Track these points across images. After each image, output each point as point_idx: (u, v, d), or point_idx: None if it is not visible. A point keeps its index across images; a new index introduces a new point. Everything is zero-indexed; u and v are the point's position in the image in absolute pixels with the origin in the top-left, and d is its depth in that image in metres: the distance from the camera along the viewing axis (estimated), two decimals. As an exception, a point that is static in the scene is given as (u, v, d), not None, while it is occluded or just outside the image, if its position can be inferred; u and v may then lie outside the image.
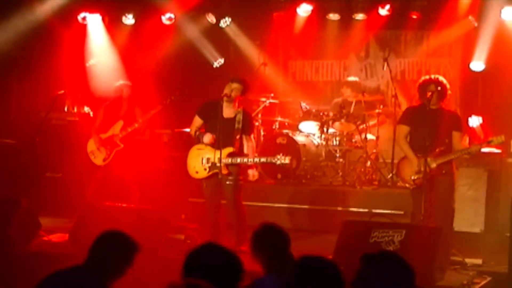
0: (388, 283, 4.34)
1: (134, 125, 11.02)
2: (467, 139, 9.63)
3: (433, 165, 8.91)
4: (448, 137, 9.04)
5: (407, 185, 9.46)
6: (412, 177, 9.08)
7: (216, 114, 9.12)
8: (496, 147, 10.85)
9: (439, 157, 8.95)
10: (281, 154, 9.08)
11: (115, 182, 11.14)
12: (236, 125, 9.22)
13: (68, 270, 5.17)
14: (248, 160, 9.21)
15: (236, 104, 9.32)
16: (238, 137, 9.20)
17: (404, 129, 9.39)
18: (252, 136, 9.52)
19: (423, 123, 8.98)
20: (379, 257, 4.48)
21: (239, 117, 9.26)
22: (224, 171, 9.08)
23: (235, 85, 9.25)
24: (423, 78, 9.46)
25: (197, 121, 9.50)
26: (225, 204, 9.41)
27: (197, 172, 9.38)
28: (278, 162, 9.07)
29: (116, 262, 5.26)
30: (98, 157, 11.12)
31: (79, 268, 5.22)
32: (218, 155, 9.03)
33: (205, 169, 9.26)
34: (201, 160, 9.31)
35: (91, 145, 11.19)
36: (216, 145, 9.10)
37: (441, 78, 9.32)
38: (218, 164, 9.05)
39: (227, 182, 9.20)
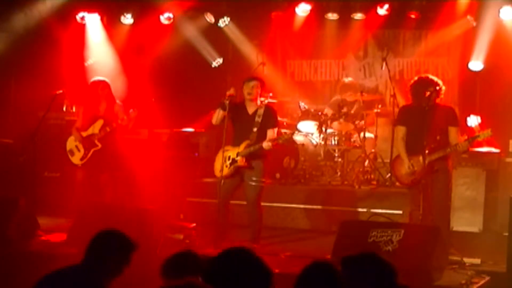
0: (370, 284, 4.32)
1: (113, 125, 10.73)
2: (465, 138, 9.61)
3: (424, 163, 8.91)
4: (440, 134, 9.00)
5: (397, 183, 9.51)
6: (408, 178, 9.12)
7: (240, 112, 9.41)
8: (495, 146, 10.87)
9: (430, 155, 8.93)
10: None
11: (90, 183, 10.97)
12: (256, 119, 9.42)
13: (66, 270, 5.17)
14: (258, 146, 9.33)
15: (258, 101, 9.55)
16: (255, 129, 9.37)
17: (401, 130, 9.37)
18: (275, 129, 9.59)
19: (416, 122, 8.98)
20: (358, 259, 4.47)
21: (260, 111, 9.47)
22: (242, 163, 9.31)
23: (253, 83, 9.47)
24: (416, 78, 9.43)
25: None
26: (243, 205, 9.66)
27: (221, 171, 9.51)
28: (281, 141, 9.43)
29: (113, 261, 5.26)
30: (75, 156, 10.87)
31: (77, 268, 5.22)
32: (237, 151, 9.33)
33: (226, 166, 9.45)
34: (225, 159, 9.48)
35: (71, 143, 10.92)
36: (236, 142, 9.39)
37: (434, 77, 9.32)
38: (236, 158, 9.32)
39: (251, 183, 9.41)
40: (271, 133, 9.43)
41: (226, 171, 9.43)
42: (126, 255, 5.33)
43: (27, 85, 13.10)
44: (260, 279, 4.20)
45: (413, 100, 9.28)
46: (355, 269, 4.41)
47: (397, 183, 10.43)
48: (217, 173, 9.56)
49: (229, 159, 9.40)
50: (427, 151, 8.89)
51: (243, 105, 9.51)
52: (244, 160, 9.30)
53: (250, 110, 9.51)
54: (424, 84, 9.14)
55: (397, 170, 9.36)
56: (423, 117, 8.91)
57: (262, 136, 9.38)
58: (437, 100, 9.14)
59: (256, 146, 9.29)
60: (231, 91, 9.34)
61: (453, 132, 9.05)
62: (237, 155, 9.32)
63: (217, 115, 9.42)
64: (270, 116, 9.51)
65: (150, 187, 11.63)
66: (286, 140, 9.61)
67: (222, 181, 9.43)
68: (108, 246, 5.29)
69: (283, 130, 12.41)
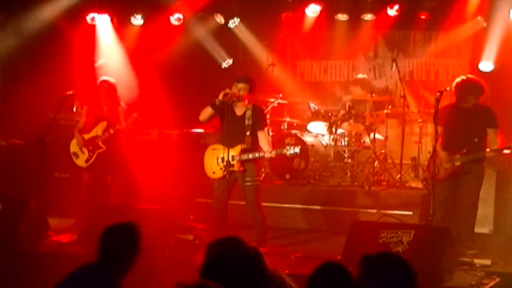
0: (389, 284, 4.29)
1: (116, 127, 10.68)
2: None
3: (458, 163, 8.97)
4: (478, 136, 9.11)
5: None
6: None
7: (227, 111, 9.21)
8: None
9: (465, 156, 8.99)
10: (290, 146, 9.20)
11: (96, 185, 10.93)
12: (246, 122, 9.34)
13: (83, 269, 5.18)
14: (259, 155, 9.29)
15: (246, 101, 9.41)
16: (248, 133, 9.31)
17: (440, 130, 9.44)
18: (266, 129, 9.57)
19: (455, 122, 9.05)
20: (379, 259, 4.43)
21: (249, 113, 9.38)
22: (239, 168, 9.23)
23: (241, 85, 9.36)
24: (461, 78, 9.45)
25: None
26: (244, 205, 9.55)
27: (214, 173, 9.50)
28: (288, 152, 9.15)
29: (126, 253, 5.27)
30: (80, 159, 10.83)
31: (94, 266, 5.23)
32: (231, 153, 9.20)
33: (221, 169, 9.37)
34: (217, 160, 9.43)
35: (74, 146, 10.90)
36: (227, 144, 9.22)
37: (476, 78, 9.40)
38: (232, 162, 9.22)
39: (247, 184, 9.34)
40: (263, 135, 9.41)
41: (221, 173, 9.37)
42: (134, 239, 5.35)
43: (37, 86, 13.15)
44: (246, 261, 4.24)
45: (457, 100, 9.36)
46: (376, 269, 4.37)
47: (408, 184, 10.54)
48: (209, 173, 9.55)
49: (222, 161, 9.32)
50: (465, 151, 8.96)
51: (230, 104, 9.31)
52: (240, 164, 9.26)
53: (238, 111, 9.40)
54: (466, 85, 9.23)
55: (430, 165, 9.40)
56: (459, 117, 8.99)
57: (254, 138, 9.35)
58: (479, 100, 9.24)
59: (256, 155, 9.25)
60: (226, 90, 9.28)
61: (491, 134, 9.16)
62: (233, 158, 9.23)
63: (205, 113, 9.40)
64: (259, 117, 9.46)
65: (160, 188, 11.65)
66: (280, 154, 9.28)
67: (216, 184, 9.42)
68: (116, 237, 5.32)
69: (293, 131, 12.44)
